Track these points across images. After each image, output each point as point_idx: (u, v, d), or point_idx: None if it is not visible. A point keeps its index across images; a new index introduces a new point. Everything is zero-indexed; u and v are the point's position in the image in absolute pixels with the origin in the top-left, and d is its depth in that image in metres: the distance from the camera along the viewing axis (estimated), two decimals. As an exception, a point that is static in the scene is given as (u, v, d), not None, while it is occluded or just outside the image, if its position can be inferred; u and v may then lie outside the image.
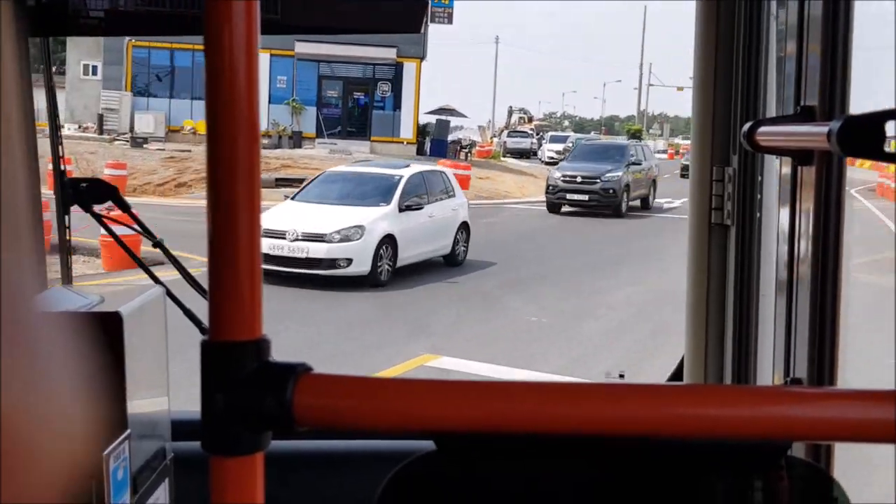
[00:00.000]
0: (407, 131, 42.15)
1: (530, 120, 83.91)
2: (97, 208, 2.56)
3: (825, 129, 1.24)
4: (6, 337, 0.49)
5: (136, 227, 2.58)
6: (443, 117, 47.86)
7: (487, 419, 0.83)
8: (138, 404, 1.72)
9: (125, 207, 2.58)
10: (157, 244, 2.57)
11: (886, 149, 1.12)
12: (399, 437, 2.27)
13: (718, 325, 2.04)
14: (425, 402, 0.82)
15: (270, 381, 0.81)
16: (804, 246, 1.59)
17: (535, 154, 59.61)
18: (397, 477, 1.14)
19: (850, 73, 1.49)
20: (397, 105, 42.17)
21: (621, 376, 2.65)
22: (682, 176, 45.30)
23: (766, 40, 1.89)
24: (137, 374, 1.71)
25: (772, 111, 1.88)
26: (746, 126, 1.67)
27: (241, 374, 0.81)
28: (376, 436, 2.33)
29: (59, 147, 2.65)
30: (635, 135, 79.97)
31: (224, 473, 0.82)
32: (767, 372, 1.87)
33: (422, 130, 44.18)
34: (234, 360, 0.81)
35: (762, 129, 1.64)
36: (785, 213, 1.72)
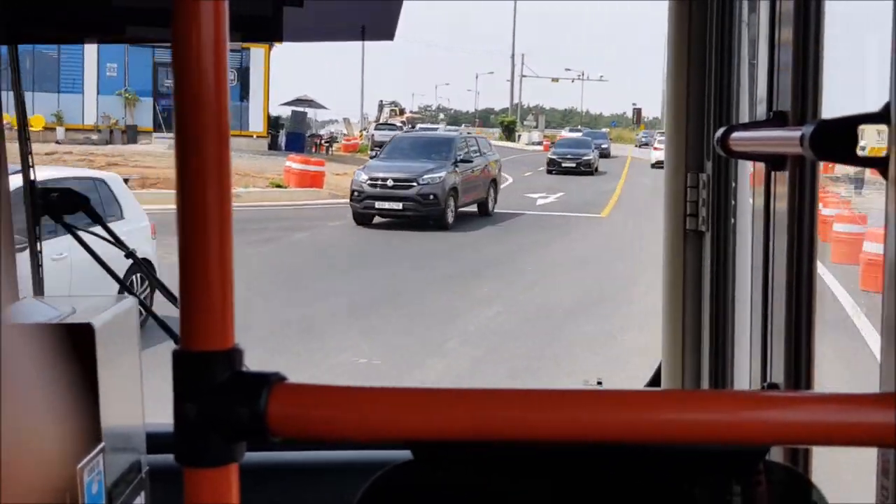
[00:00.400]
0: (257, 124, 38.11)
1: (402, 112, 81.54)
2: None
3: (798, 133, 1.24)
4: None
5: (107, 237, 2.55)
6: (300, 109, 43.97)
7: (465, 427, 0.82)
8: (112, 417, 1.70)
9: (97, 218, 2.56)
10: (130, 254, 2.55)
11: (859, 153, 1.13)
12: (376, 448, 2.25)
13: (695, 331, 2.04)
14: (401, 411, 0.82)
15: (243, 391, 0.80)
16: (778, 251, 1.60)
17: (406, 147, 57.55)
18: (373, 487, 1.12)
19: (821, 77, 1.50)
20: (245, 95, 37.86)
21: (599, 383, 2.65)
22: (549, 172, 41.25)
23: (738, 46, 1.90)
24: (111, 386, 1.69)
25: (745, 117, 1.89)
26: (720, 132, 1.68)
27: (214, 384, 0.80)
28: (353, 446, 2.31)
29: (29, 156, 2.62)
30: (508, 126, 78.47)
31: (198, 485, 0.81)
32: (745, 377, 1.87)
33: (275, 123, 40.60)
34: (206, 369, 0.80)
35: (735, 134, 1.64)
36: (759, 219, 1.72)
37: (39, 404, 0.54)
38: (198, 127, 0.78)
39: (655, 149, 57.26)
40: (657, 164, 55.42)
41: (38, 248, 2.62)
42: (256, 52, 37.86)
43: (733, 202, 1.94)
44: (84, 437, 1.60)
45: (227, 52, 0.79)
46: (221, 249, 0.80)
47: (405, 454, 1.11)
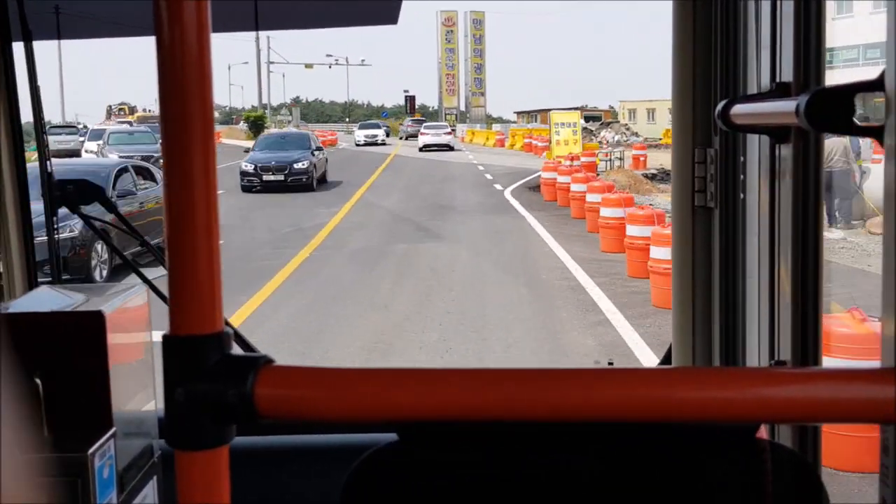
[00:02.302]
0: None
1: (132, 112, 74.41)
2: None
3: (795, 103, 1.22)
4: None
5: (122, 226, 2.58)
6: None
7: (454, 407, 0.82)
8: (123, 402, 1.72)
9: (111, 207, 2.58)
10: (144, 243, 2.57)
11: (857, 122, 1.11)
12: (363, 430, 2.27)
13: (705, 309, 2.02)
14: (388, 392, 0.82)
15: (231, 374, 0.81)
16: (784, 226, 1.58)
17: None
18: (361, 468, 1.13)
19: (823, 47, 1.48)
20: None
21: (610, 364, 2.64)
22: (245, 189, 27.56)
23: (744, 18, 1.87)
24: (122, 372, 1.71)
25: (752, 90, 1.86)
26: (721, 104, 1.66)
27: (203, 368, 0.81)
28: (341, 429, 2.33)
29: (45, 149, 2.65)
30: (256, 123, 67.74)
31: (189, 468, 0.82)
32: (754, 355, 1.86)
33: None
34: (195, 353, 0.81)
35: (737, 107, 1.62)
36: (765, 194, 1.70)
37: (47, 391, 0.55)
38: (183, 117, 0.79)
39: (422, 133, 59.27)
40: (424, 148, 55.77)
41: (57, 239, 2.65)
42: None
43: (742, 177, 1.91)
44: (95, 423, 1.62)
45: (210, 40, 0.80)
46: (209, 235, 0.80)
47: (393, 437, 1.11)
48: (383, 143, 67.66)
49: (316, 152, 29.79)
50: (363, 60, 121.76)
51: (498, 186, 30.23)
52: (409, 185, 31.20)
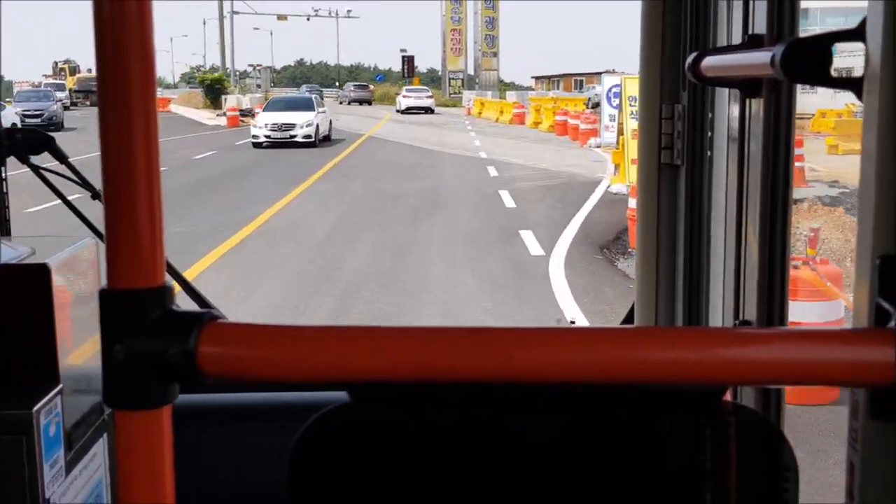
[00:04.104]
0: None
1: (73, 72, 68.45)
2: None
3: (769, 54, 1.19)
4: None
5: (73, 177, 2.51)
6: None
7: (409, 366, 0.79)
8: (71, 358, 1.68)
9: (62, 158, 2.52)
10: (97, 195, 2.51)
11: (833, 73, 1.07)
12: (315, 390, 2.23)
13: (669, 267, 2.00)
14: (337, 351, 0.79)
15: (173, 330, 0.77)
16: (752, 184, 1.55)
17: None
18: (310, 430, 1.10)
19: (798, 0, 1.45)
20: None
21: (572, 323, 2.63)
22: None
23: None
24: (70, 327, 1.66)
25: (722, 44, 1.82)
26: (691, 57, 1.62)
27: (143, 324, 0.77)
28: (291, 388, 2.30)
29: None
30: (212, 86, 57.88)
31: (129, 428, 0.78)
32: (718, 315, 1.84)
33: None
34: (134, 308, 0.77)
35: (708, 59, 1.59)
36: (733, 150, 1.67)
37: None
38: (122, 66, 0.75)
39: (405, 97, 60.42)
40: (407, 110, 57.23)
41: (4, 190, 2.59)
42: None
43: (710, 134, 1.88)
44: (40, 379, 1.57)
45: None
46: (149, 184, 0.77)
47: (344, 396, 1.08)
48: (311, 143, 32.96)
49: None
50: (349, 12, 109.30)
51: (530, 240, 14.28)
52: (339, 232, 15.44)
